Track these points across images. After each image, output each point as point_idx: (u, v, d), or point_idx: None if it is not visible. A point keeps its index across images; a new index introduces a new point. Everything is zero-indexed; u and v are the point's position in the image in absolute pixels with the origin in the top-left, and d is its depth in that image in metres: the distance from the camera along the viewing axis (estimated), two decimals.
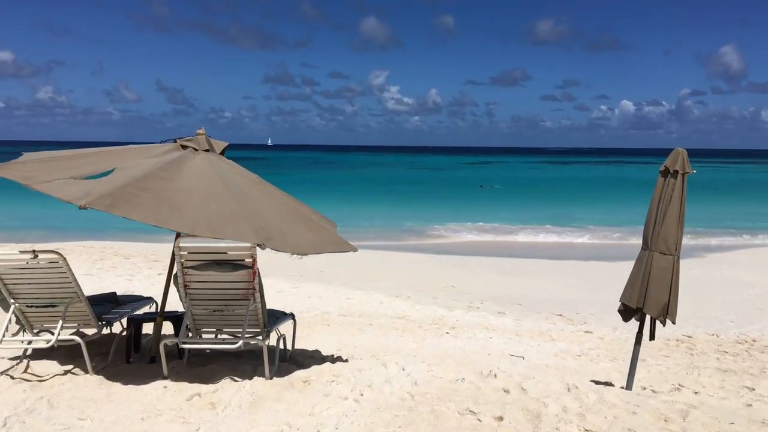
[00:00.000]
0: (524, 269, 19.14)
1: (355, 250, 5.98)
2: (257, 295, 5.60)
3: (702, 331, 11.33)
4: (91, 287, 13.34)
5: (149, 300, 7.17)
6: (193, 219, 4.78)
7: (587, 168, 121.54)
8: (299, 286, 14.75)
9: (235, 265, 5.48)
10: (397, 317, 12.00)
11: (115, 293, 6.92)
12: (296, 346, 9.48)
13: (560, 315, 12.63)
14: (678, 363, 9.25)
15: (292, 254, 5.21)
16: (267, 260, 18.28)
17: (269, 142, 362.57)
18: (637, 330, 6.57)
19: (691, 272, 17.78)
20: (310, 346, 9.10)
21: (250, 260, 5.48)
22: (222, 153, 5.99)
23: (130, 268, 15.84)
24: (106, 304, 6.56)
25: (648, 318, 6.48)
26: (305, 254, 5.38)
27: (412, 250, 22.89)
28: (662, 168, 6.30)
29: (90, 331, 6.08)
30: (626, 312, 6.50)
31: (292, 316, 7.31)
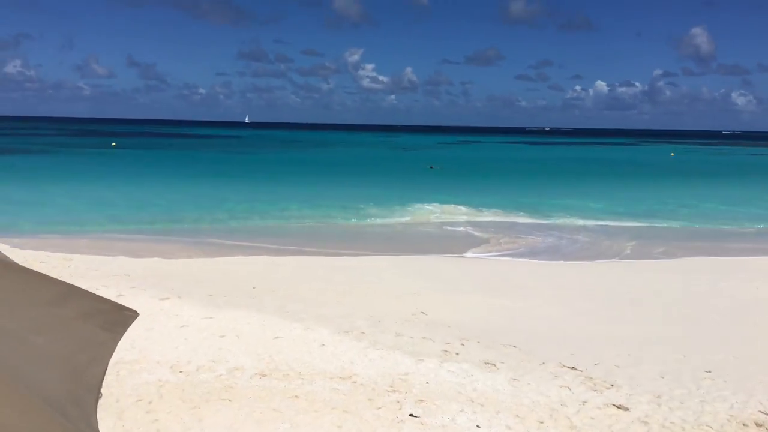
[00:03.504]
0: (512, 280, 15.44)
1: None
2: None
3: None
4: None
5: None
6: None
7: (567, 149, 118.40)
8: (215, 315, 10.87)
9: None
10: (340, 377, 8.20)
11: None
12: None
13: (573, 368, 8.93)
14: None
15: None
16: (177, 271, 13.89)
17: (247, 119, 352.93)
18: None
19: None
20: None
21: None
22: None
23: None
24: None
25: None
26: None
27: (372, 251, 18.96)
28: None
29: None
30: None
31: None
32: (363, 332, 10.37)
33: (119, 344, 8.40)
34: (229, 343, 9.46)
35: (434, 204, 30.34)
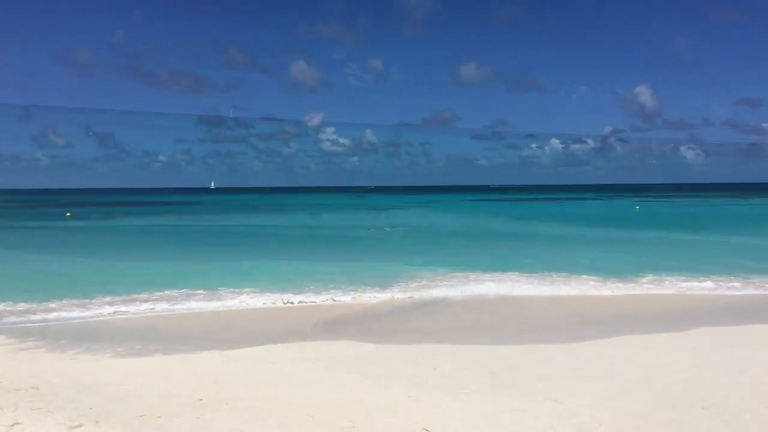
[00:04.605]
0: (524, 365, 12.76)
1: None
2: None
3: None
4: None
5: None
6: None
7: (533, 205, 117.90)
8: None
9: None
10: None
11: None
12: None
13: None
14: None
15: None
16: (103, 378, 10.73)
17: (212, 185, 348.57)
18: None
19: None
20: None
21: None
22: None
23: None
24: None
25: None
26: None
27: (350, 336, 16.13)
28: None
29: None
30: None
31: None
32: None
33: None
34: None
35: (410, 273, 27.74)
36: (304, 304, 21.05)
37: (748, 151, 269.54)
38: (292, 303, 21.12)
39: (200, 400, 10.07)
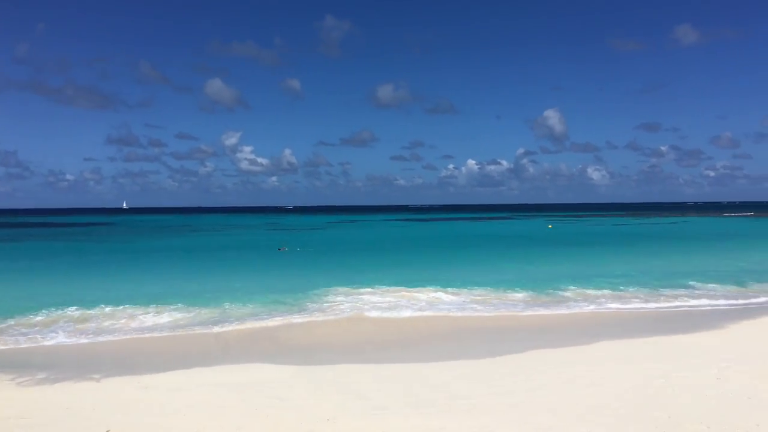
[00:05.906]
0: (441, 383, 12.83)
1: None
2: None
3: None
4: None
5: None
6: None
7: (450, 225, 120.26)
8: None
9: None
10: None
11: None
12: None
13: None
14: None
15: None
16: None
17: (124, 205, 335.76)
18: None
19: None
20: None
21: None
22: None
23: None
24: None
25: None
26: None
27: (255, 358, 15.79)
28: None
29: None
30: None
31: None
32: None
33: None
34: None
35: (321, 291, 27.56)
36: (215, 326, 20.45)
37: (649, 172, 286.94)
38: (202, 325, 20.48)
39: None
